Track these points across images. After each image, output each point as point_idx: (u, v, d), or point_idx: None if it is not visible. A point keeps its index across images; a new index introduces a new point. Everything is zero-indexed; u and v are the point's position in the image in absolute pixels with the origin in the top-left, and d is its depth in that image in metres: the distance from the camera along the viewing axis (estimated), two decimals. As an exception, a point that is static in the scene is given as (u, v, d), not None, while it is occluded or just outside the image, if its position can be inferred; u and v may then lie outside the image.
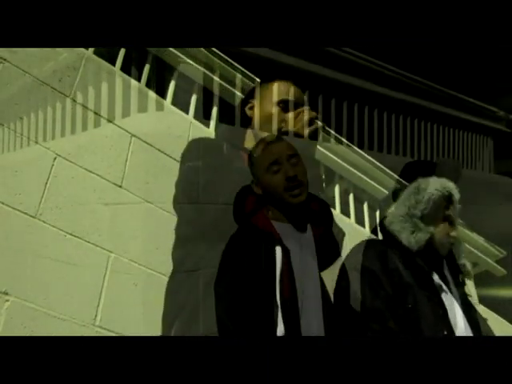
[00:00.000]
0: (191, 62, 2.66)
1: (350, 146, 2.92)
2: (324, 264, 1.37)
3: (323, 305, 1.30)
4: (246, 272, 1.26)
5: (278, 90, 1.54)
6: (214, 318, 1.20)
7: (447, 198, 1.55)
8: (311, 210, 1.39)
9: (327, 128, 2.75)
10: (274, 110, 1.51)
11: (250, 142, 1.47)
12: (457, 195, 1.58)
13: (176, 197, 1.49)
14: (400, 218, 1.54)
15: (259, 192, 1.37)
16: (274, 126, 1.50)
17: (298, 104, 1.53)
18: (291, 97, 1.53)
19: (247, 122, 1.55)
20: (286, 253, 1.29)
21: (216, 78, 2.65)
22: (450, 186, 1.58)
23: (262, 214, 1.35)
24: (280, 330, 1.22)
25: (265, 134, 1.48)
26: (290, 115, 1.50)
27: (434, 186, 1.60)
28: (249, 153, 1.42)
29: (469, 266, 1.60)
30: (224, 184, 1.45)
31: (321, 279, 1.33)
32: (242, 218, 1.36)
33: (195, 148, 1.59)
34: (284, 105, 1.51)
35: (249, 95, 1.60)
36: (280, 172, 1.33)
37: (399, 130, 3.61)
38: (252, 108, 1.54)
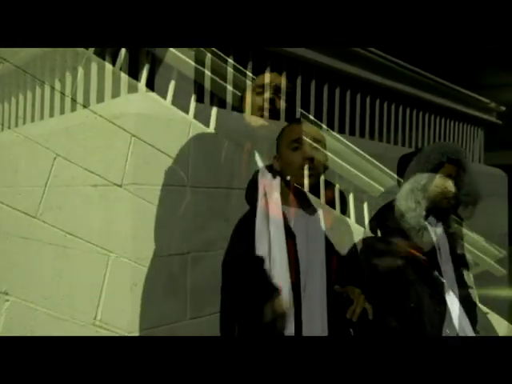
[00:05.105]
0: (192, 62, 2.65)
1: (342, 135, 2.91)
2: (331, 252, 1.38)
3: (327, 291, 1.30)
4: (252, 254, 1.27)
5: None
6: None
7: (439, 166, 1.57)
8: (325, 197, 1.42)
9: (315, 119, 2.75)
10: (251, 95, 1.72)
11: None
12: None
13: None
14: (404, 201, 1.55)
15: (278, 168, 1.39)
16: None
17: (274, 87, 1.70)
18: (266, 79, 1.71)
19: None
20: (291, 237, 1.30)
21: (207, 72, 2.64)
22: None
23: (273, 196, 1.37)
24: (282, 312, 1.23)
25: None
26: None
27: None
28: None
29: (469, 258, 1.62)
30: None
31: (327, 265, 1.34)
32: (252, 200, 1.37)
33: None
34: (260, 89, 1.71)
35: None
36: (299, 150, 1.36)
37: (391, 118, 3.61)
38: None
